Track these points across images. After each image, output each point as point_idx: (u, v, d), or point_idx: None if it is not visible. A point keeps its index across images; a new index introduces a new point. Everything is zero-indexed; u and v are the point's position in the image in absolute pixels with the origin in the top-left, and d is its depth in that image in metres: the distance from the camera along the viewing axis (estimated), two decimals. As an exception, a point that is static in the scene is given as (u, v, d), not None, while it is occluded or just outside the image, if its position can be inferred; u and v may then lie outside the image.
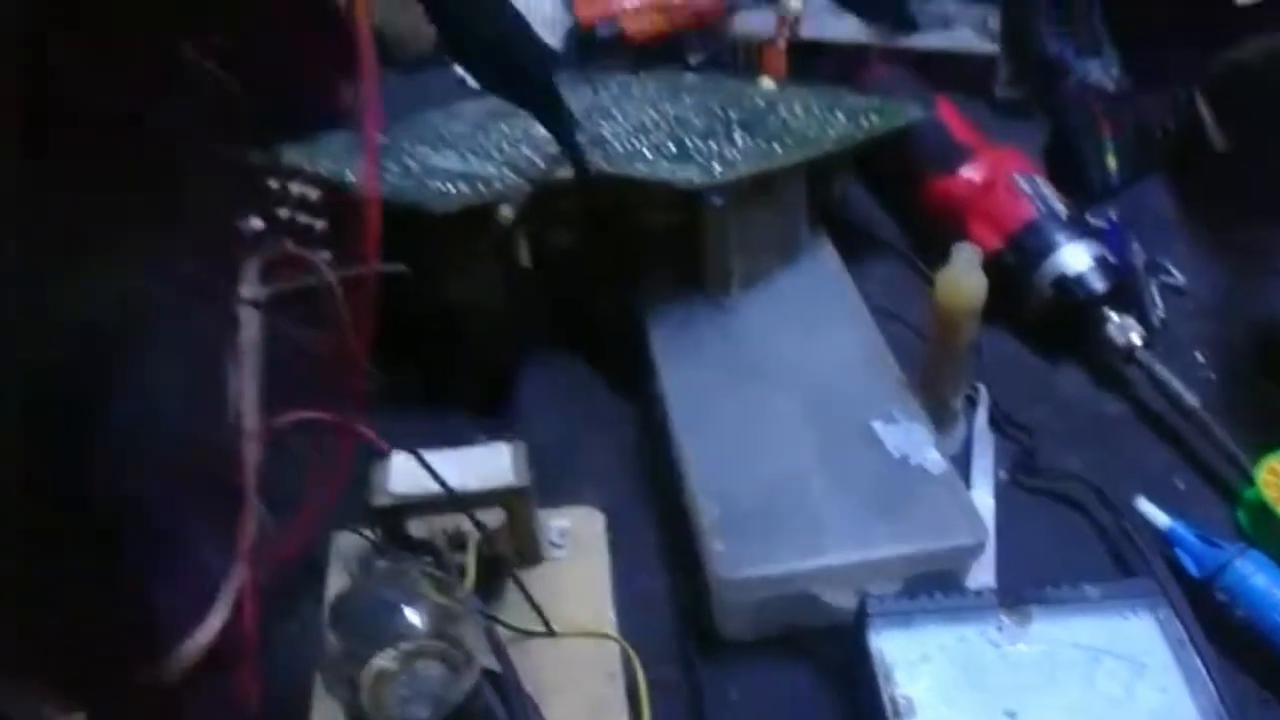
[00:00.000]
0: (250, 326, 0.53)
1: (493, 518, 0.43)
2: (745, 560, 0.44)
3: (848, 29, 0.88)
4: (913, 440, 0.49)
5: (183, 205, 0.63)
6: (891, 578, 0.45)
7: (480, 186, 0.53)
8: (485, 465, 0.44)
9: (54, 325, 0.57)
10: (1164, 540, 0.49)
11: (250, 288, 0.54)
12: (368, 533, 0.46)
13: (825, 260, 0.62)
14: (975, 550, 0.46)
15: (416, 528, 0.43)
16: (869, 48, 0.86)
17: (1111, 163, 0.73)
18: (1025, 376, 0.60)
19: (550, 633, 0.43)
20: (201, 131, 0.55)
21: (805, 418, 0.51)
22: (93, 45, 0.39)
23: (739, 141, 0.58)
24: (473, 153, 0.61)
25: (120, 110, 0.55)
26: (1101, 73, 0.81)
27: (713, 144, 0.58)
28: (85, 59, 0.41)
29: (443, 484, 0.39)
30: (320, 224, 0.60)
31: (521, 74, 0.30)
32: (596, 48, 0.90)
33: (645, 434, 0.57)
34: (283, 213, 0.61)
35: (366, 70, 0.23)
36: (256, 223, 0.60)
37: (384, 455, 0.44)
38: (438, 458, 0.44)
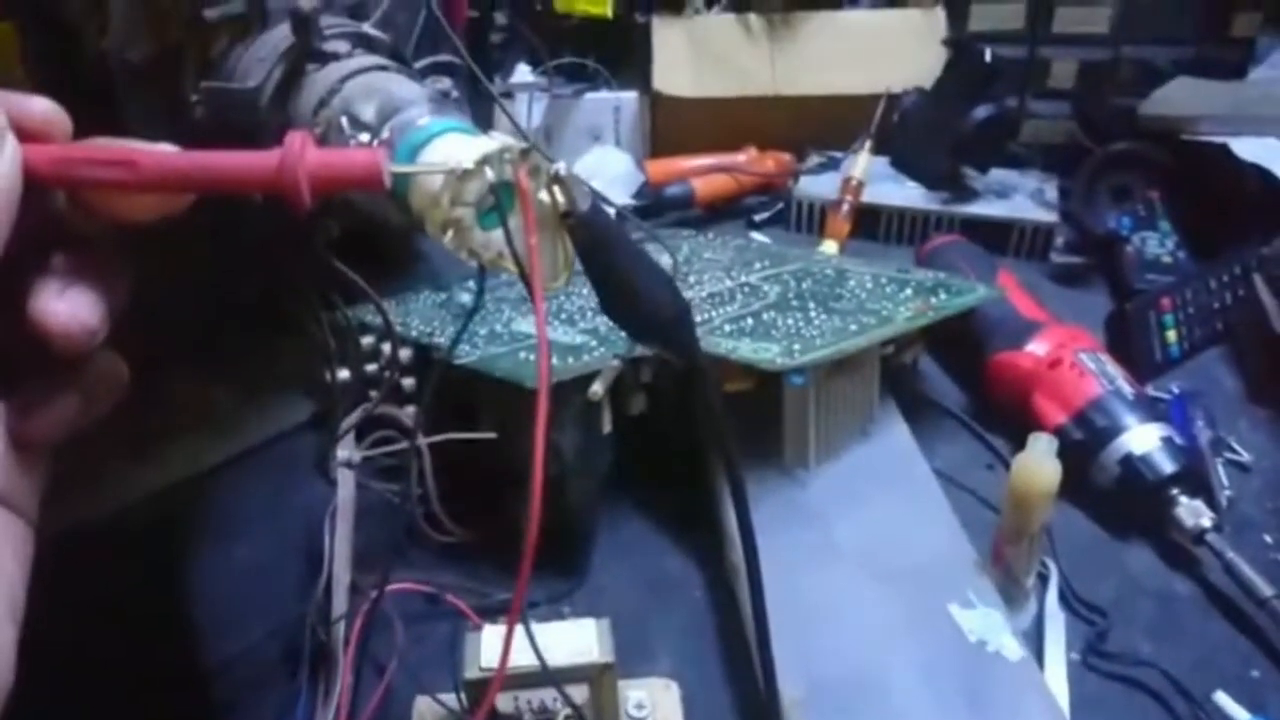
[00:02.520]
0: (346, 486, 0.55)
1: (578, 693, 0.44)
2: (828, 746, 0.44)
3: (908, 195, 0.91)
4: (990, 625, 0.49)
5: (278, 367, 0.66)
6: (970, 767, 0.45)
7: (570, 359, 0.56)
8: (571, 640, 0.45)
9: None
10: (1244, 737, 0.49)
11: (346, 449, 0.56)
12: (451, 700, 0.47)
13: (895, 431, 0.63)
14: (1055, 742, 0.46)
15: (504, 701, 0.44)
16: (928, 214, 0.90)
17: (1171, 336, 0.75)
18: (1095, 554, 0.61)
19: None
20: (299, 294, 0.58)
21: (881, 594, 0.51)
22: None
23: (814, 317, 0.61)
24: (557, 319, 0.64)
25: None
26: (1158, 245, 0.84)
27: (789, 320, 0.61)
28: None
29: (543, 663, 0.40)
30: (409, 382, 0.63)
31: (665, 334, 0.33)
32: (666, 205, 0.94)
33: (717, 601, 0.58)
34: (372, 369, 0.64)
35: (538, 291, 0.26)
36: (348, 377, 0.63)
37: (477, 627, 0.46)
38: (523, 631, 0.46)
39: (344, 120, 0.31)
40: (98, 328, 0.25)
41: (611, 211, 0.86)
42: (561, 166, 0.27)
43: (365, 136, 0.30)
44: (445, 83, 0.36)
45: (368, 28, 0.37)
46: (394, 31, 0.38)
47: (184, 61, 0.36)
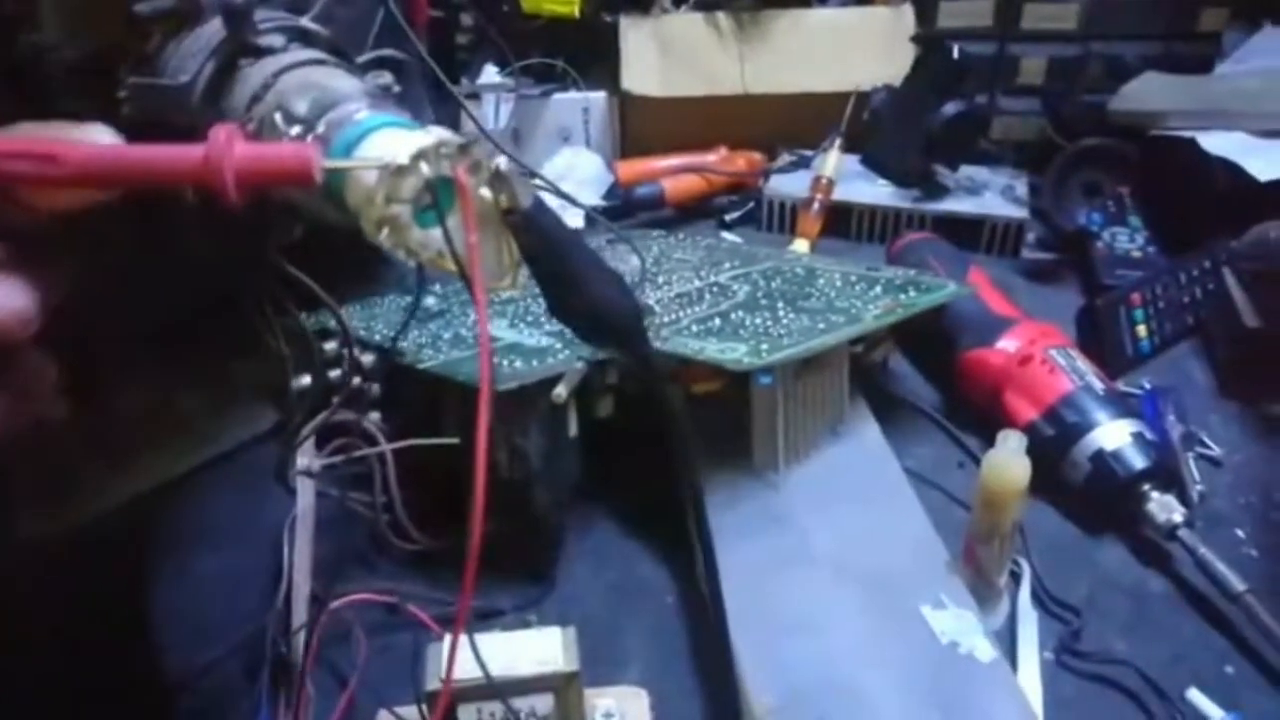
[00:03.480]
0: (305, 495, 0.54)
1: (542, 703, 0.43)
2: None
3: (879, 193, 0.91)
4: (962, 626, 0.49)
5: (244, 374, 0.65)
6: (943, 770, 0.44)
7: (534, 363, 0.55)
8: (535, 649, 0.45)
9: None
10: (1218, 734, 0.48)
11: (306, 457, 0.55)
12: (414, 713, 0.46)
13: (866, 431, 0.63)
14: (1027, 743, 0.45)
15: (466, 713, 0.43)
16: (899, 211, 0.89)
17: (1142, 331, 0.74)
18: (1067, 551, 0.60)
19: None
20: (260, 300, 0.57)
21: (854, 597, 0.51)
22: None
23: (783, 317, 0.60)
24: (523, 321, 0.63)
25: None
26: (1128, 240, 0.83)
27: (758, 319, 0.60)
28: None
29: (488, 677, 0.39)
30: (374, 388, 0.62)
31: (616, 334, 0.32)
32: (636, 205, 0.93)
33: (686, 606, 0.57)
34: (336, 375, 0.63)
35: (478, 292, 0.25)
36: (307, 384, 0.61)
37: (439, 638, 0.45)
38: (490, 641, 0.45)
39: (278, 116, 0.30)
40: (30, 317, 0.24)
41: (581, 212, 0.86)
42: (502, 162, 0.27)
43: (294, 130, 0.29)
44: (386, 78, 0.36)
45: (305, 22, 0.36)
46: (335, 26, 0.37)
47: (117, 59, 0.35)
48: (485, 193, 0.27)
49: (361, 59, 0.38)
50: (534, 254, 0.28)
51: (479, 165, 0.27)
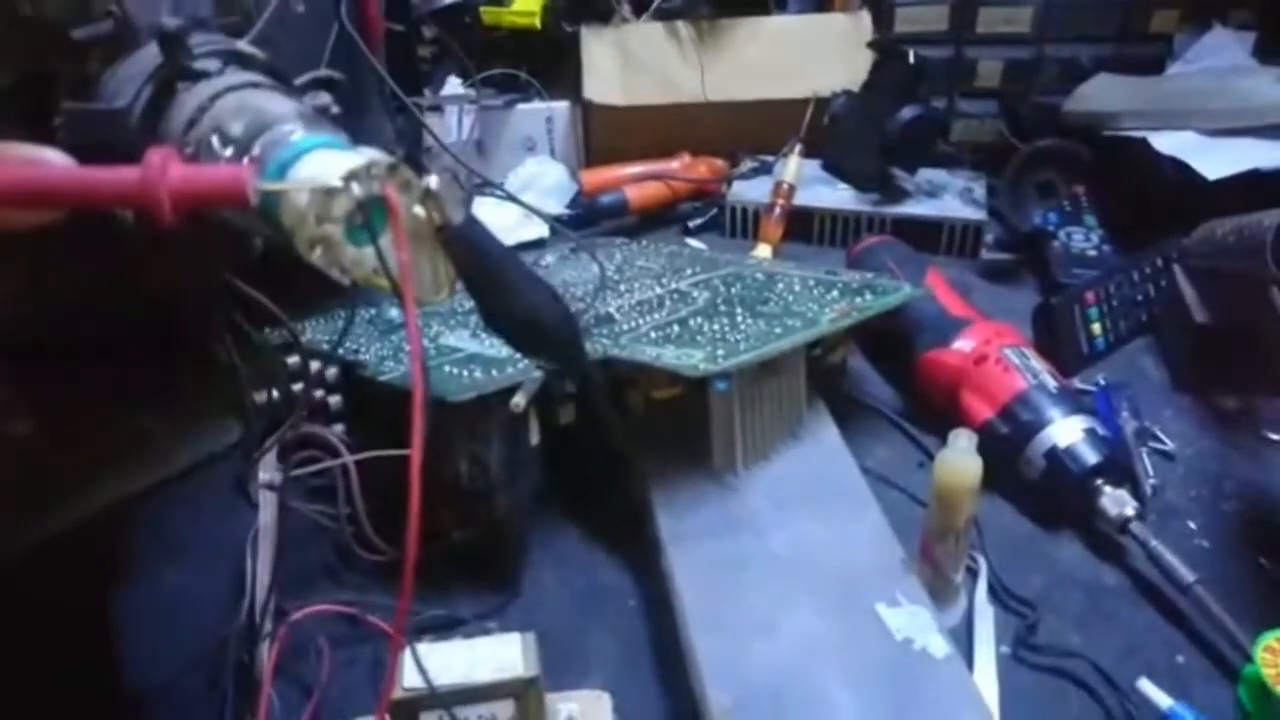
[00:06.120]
0: (268, 508, 0.54)
1: (503, 709, 0.44)
2: (755, 752, 0.44)
3: (839, 198, 0.92)
4: (916, 624, 0.49)
5: (202, 389, 0.65)
6: (900, 766, 0.45)
7: (493, 372, 0.55)
8: (496, 656, 0.45)
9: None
10: (1167, 722, 0.49)
11: (268, 470, 0.55)
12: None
13: (824, 432, 0.63)
14: (982, 737, 0.46)
15: (428, 721, 0.43)
16: (860, 214, 0.91)
17: (1096, 329, 0.76)
18: (1023, 547, 0.61)
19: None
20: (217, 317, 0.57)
21: (810, 597, 0.52)
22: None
23: (740, 322, 0.61)
24: (485, 331, 0.63)
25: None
26: (1083, 239, 0.85)
27: (715, 325, 0.61)
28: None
29: (430, 686, 0.39)
30: (336, 400, 0.63)
31: (548, 344, 0.32)
32: (600, 213, 0.94)
33: (649, 609, 0.57)
34: (299, 389, 0.63)
35: (411, 325, 0.25)
36: (272, 398, 0.62)
37: (411, 649, 0.45)
38: (448, 648, 0.45)
39: (214, 138, 0.30)
40: None
41: (544, 222, 0.86)
42: (433, 180, 0.27)
43: (229, 152, 0.29)
44: (324, 99, 0.36)
45: (242, 45, 0.37)
46: (276, 48, 0.37)
47: (54, 85, 0.35)
48: (418, 210, 0.28)
49: (300, 80, 0.38)
50: (466, 268, 0.28)
51: (409, 184, 0.27)
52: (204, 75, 0.35)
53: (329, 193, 0.26)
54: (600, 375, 0.39)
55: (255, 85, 0.34)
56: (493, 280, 0.29)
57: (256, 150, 0.29)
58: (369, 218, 0.27)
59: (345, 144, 0.29)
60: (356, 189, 0.26)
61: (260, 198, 0.24)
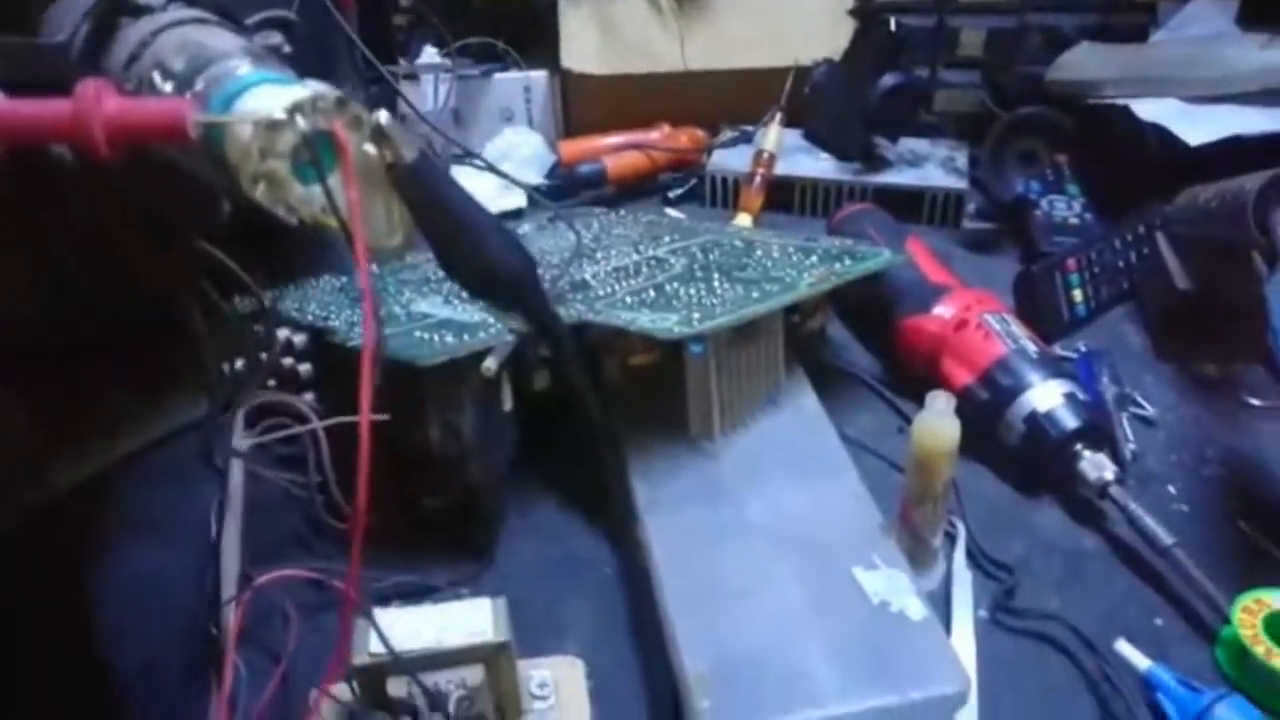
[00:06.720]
0: (235, 476, 0.53)
1: (473, 675, 0.43)
2: (731, 717, 0.43)
3: (820, 167, 0.91)
4: (893, 587, 0.49)
5: (170, 360, 0.64)
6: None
7: (465, 337, 0.54)
8: (466, 621, 0.44)
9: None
10: (1145, 684, 0.49)
11: (235, 437, 0.54)
12: (345, 690, 0.46)
13: (803, 398, 0.63)
14: (959, 699, 0.46)
15: (395, 687, 0.43)
16: (841, 184, 0.90)
17: (1077, 296, 0.75)
18: (1003, 512, 0.61)
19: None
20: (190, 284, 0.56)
21: (788, 563, 0.51)
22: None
23: (718, 287, 0.60)
24: (457, 298, 0.62)
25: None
26: (1065, 208, 0.84)
27: (692, 290, 0.60)
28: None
29: (390, 649, 0.39)
30: (305, 368, 0.62)
31: (509, 290, 0.31)
32: (579, 184, 0.93)
33: (625, 577, 0.57)
34: (269, 357, 0.62)
35: (363, 270, 0.24)
36: (240, 365, 0.61)
37: (365, 613, 0.44)
38: (417, 613, 0.44)
39: (156, 74, 0.29)
40: None
41: (523, 192, 0.85)
42: (384, 116, 0.26)
43: (170, 87, 0.28)
44: (275, 38, 0.35)
45: (189, -20, 0.36)
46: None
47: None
48: (369, 149, 0.27)
49: (251, 20, 0.37)
50: (420, 209, 0.27)
51: (359, 120, 0.26)
52: (147, 10, 0.34)
53: (273, 126, 0.25)
54: (566, 329, 0.38)
55: (201, 21, 0.33)
56: (449, 224, 0.28)
57: (199, 85, 0.28)
58: (316, 153, 0.26)
59: (293, 79, 0.28)
60: (301, 122, 0.25)
61: (202, 131, 0.23)
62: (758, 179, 0.89)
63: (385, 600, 0.52)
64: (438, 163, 0.27)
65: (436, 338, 0.55)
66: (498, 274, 0.30)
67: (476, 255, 0.29)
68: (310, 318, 0.62)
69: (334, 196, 0.26)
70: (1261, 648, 0.49)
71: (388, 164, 0.27)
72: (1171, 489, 0.62)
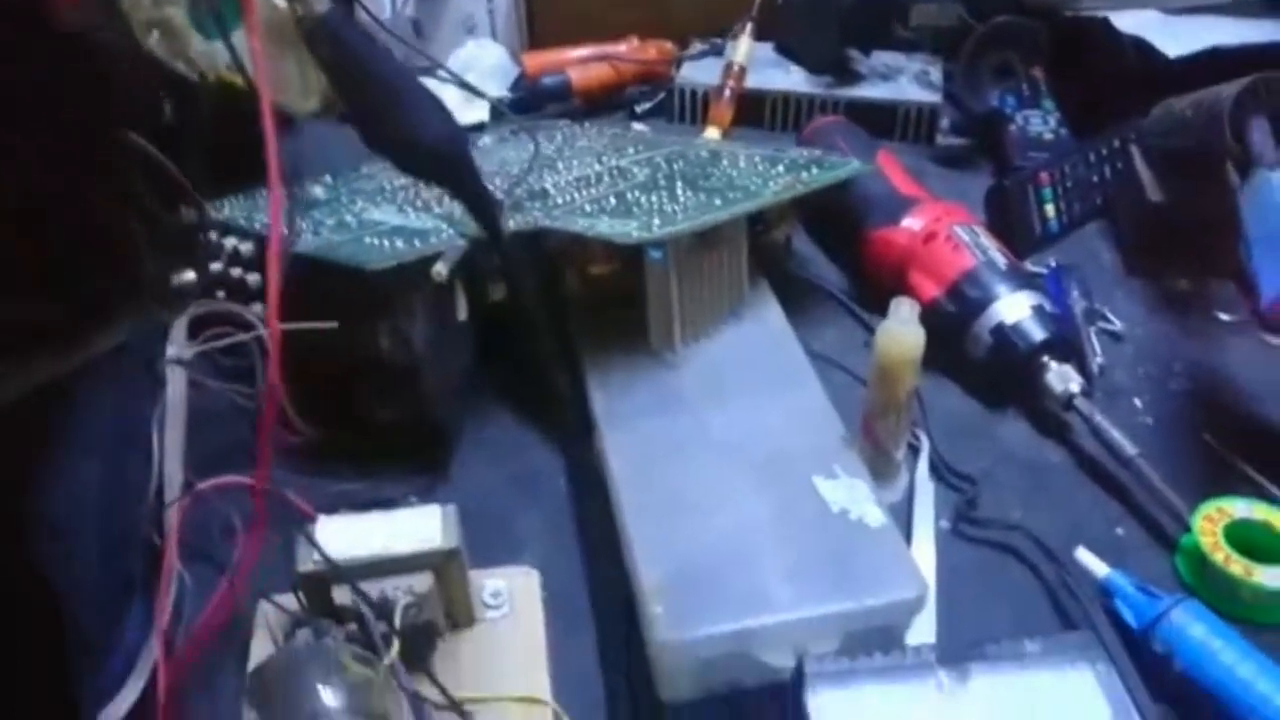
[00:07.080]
0: (175, 385, 0.52)
1: (421, 582, 0.42)
2: (684, 623, 0.43)
3: (792, 80, 0.89)
4: (853, 496, 0.48)
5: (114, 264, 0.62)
6: (832, 635, 0.44)
7: (416, 242, 0.52)
8: (415, 528, 0.43)
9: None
10: (1103, 591, 0.49)
11: (176, 345, 0.53)
12: (292, 600, 0.45)
13: (767, 311, 0.61)
14: (916, 604, 0.45)
15: (341, 595, 0.42)
16: (813, 98, 0.87)
17: (1050, 211, 0.74)
18: (967, 425, 0.60)
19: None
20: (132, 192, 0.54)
21: (748, 475, 0.50)
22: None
23: (680, 195, 0.58)
24: (412, 206, 0.60)
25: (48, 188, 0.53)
26: (1041, 123, 0.82)
27: (654, 198, 0.58)
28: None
29: (326, 558, 0.37)
30: (253, 278, 0.60)
31: (437, 162, 0.29)
32: (543, 97, 0.90)
33: (581, 490, 0.56)
34: (216, 267, 0.60)
35: (269, 132, 0.23)
36: (188, 277, 0.58)
37: (310, 520, 0.43)
38: (366, 521, 0.43)
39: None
40: None
41: (486, 103, 0.82)
42: (291, -39, 0.24)
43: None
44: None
45: None
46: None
47: None
48: (279, 1, 0.25)
49: None
50: (335, 69, 0.25)
51: (264, -36, 0.24)
52: None
53: (164, -34, 0.23)
54: (498, 204, 0.36)
55: None
56: (367, 86, 0.26)
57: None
58: (218, 5, 0.24)
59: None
60: (196, -37, 0.23)
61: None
62: (727, 92, 0.86)
63: (334, 510, 0.50)
64: (357, 24, 0.25)
65: (387, 243, 0.53)
66: (421, 141, 0.28)
67: (398, 121, 0.27)
68: (258, 225, 0.59)
69: (238, 52, 0.24)
70: (1221, 554, 0.49)
71: (297, 17, 0.25)
72: (1138, 402, 0.62)
